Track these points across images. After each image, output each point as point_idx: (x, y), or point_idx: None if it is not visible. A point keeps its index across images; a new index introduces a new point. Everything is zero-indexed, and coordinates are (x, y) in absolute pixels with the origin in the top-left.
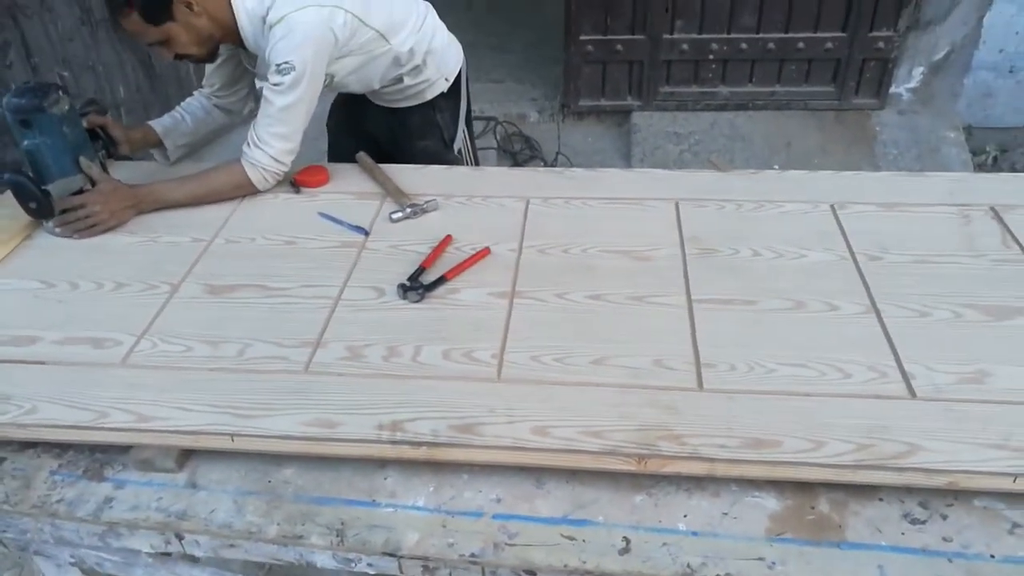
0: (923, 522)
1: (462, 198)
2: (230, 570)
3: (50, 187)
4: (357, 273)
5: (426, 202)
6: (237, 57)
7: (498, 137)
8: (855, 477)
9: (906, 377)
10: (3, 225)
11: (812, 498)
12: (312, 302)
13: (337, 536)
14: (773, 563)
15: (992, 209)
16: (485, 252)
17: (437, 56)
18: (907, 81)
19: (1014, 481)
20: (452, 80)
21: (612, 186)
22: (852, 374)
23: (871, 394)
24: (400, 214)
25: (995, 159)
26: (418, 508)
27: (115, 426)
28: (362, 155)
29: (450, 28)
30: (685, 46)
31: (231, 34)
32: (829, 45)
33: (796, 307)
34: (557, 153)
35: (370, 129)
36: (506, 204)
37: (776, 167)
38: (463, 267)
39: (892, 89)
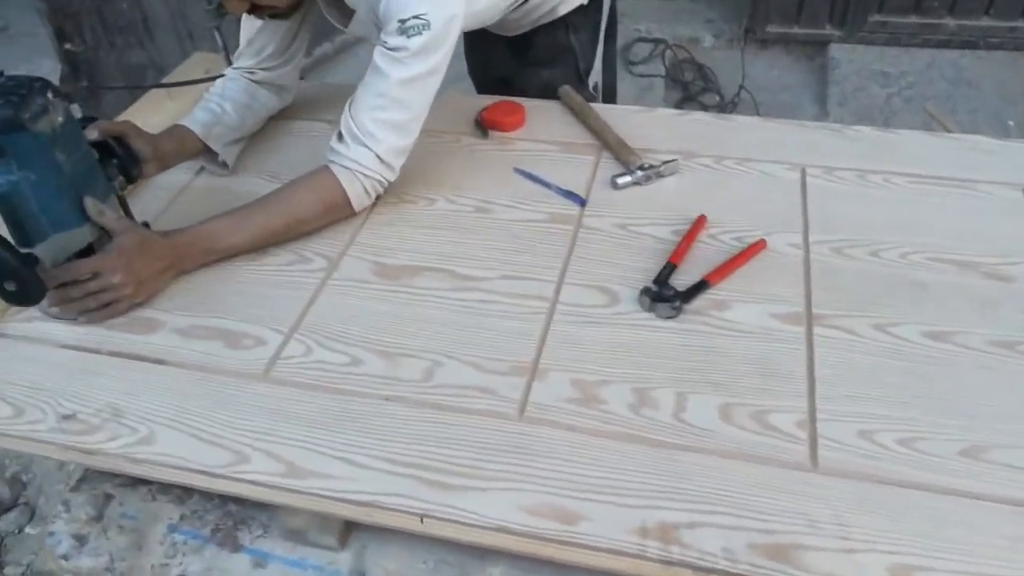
0: None
1: (707, 158)
2: None
3: (37, 250)
4: (575, 263)
5: (663, 163)
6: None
7: (666, 63)
8: None
9: None
10: None
11: None
12: (518, 304)
13: None
14: None
15: None
16: (760, 245)
17: None
18: None
19: None
20: None
21: (922, 156)
22: None
23: None
24: (628, 178)
25: None
26: None
27: (256, 478)
28: (567, 90)
29: None
30: None
31: None
32: None
33: None
34: (740, 87)
35: (492, 64)
36: (772, 172)
37: (1011, 122)
38: (731, 267)
39: None
